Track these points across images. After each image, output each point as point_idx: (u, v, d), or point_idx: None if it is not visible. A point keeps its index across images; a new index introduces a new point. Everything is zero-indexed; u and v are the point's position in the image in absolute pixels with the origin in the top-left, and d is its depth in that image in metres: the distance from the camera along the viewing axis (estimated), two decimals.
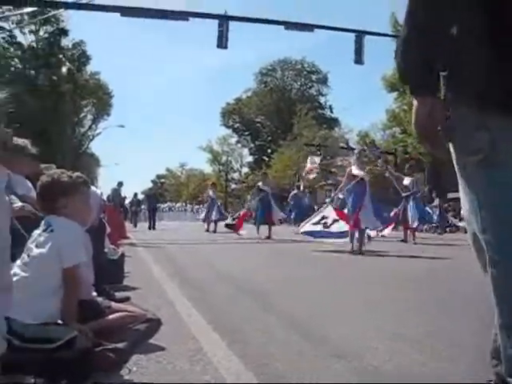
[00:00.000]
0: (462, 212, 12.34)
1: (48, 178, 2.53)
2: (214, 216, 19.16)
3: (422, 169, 33.72)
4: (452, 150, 1.60)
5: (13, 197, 4.14)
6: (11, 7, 22.56)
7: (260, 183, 16.30)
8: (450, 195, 23.88)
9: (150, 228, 22.42)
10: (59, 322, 2.31)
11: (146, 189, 34.01)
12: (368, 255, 9.29)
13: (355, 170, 10.04)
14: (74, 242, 2.40)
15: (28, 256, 2.38)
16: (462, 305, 4.46)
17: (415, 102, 1.57)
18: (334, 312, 4.14)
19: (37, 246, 2.38)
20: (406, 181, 13.32)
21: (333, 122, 58.90)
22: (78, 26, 69.86)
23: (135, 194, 27.59)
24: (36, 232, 2.46)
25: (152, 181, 61.76)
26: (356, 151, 10.55)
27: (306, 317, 3.87)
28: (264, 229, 15.32)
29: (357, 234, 9.86)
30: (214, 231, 18.65)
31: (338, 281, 6.26)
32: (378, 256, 9.35)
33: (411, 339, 3.18)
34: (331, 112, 63.05)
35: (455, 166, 1.60)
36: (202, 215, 20.89)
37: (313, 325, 3.59)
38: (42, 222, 2.47)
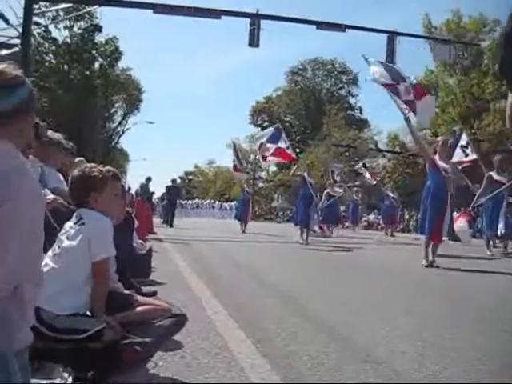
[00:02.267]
0: None
1: (79, 172, 2.57)
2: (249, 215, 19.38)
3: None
4: None
5: (46, 190, 4.21)
6: (47, 3, 22.90)
7: (305, 174, 13.52)
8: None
9: (166, 223, 20.46)
10: (88, 313, 2.34)
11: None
12: (407, 261, 9.19)
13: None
14: (104, 236, 2.43)
15: (59, 247, 2.41)
16: (492, 315, 4.38)
17: (510, 95, 1.55)
18: (361, 315, 4.10)
19: (68, 238, 2.41)
20: None
21: (362, 123, 58.39)
22: (112, 22, 70.82)
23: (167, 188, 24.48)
24: (68, 224, 2.49)
25: (180, 177, 61.93)
26: (441, 139, 9.15)
27: (333, 318, 3.84)
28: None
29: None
30: (244, 231, 18.58)
31: (367, 284, 6.19)
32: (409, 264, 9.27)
33: (439, 345, 3.13)
34: (361, 113, 62.68)
35: None
36: (236, 213, 20.85)
37: (339, 327, 3.56)
38: (74, 215, 2.50)
